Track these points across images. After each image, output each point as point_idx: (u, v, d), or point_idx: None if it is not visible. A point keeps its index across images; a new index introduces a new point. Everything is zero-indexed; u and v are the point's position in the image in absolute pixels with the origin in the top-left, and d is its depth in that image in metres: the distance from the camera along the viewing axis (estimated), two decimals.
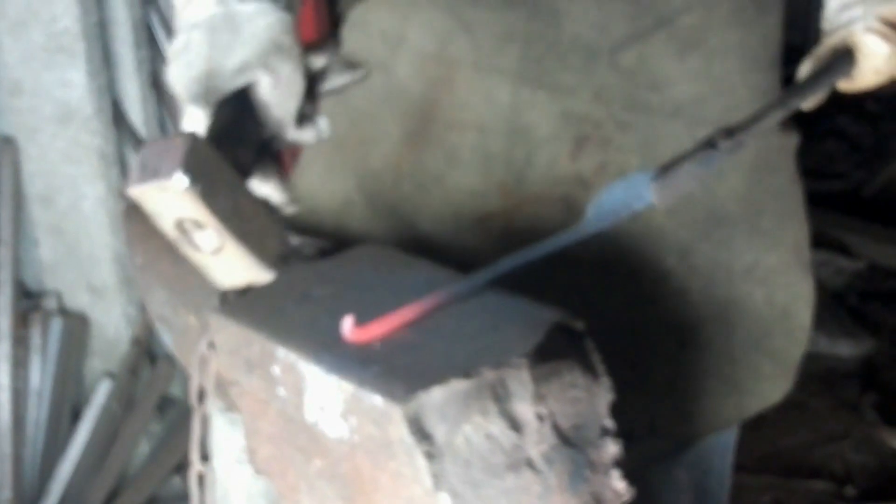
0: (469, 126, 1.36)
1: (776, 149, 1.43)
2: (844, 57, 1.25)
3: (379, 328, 1.04)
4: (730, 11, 1.34)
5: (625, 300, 1.37)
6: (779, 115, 1.17)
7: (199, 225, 0.95)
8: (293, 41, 1.08)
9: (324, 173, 1.44)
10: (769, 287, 1.44)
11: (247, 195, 1.02)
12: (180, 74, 1.05)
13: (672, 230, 1.37)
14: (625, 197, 1.07)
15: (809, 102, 1.25)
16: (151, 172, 0.94)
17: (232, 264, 0.99)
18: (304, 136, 1.09)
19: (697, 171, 1.08)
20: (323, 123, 1.11)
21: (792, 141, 1.46)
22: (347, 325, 1.04)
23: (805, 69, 1.26)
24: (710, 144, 1.09)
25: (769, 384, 1.47)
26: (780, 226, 1.45)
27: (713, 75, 1.35)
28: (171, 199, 0.94)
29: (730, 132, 1.10)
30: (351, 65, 1.16)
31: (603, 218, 1.08)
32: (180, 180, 0.92)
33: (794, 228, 1.47)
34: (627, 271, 1.37)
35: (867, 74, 1.26)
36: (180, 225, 0.97)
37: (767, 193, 1.43)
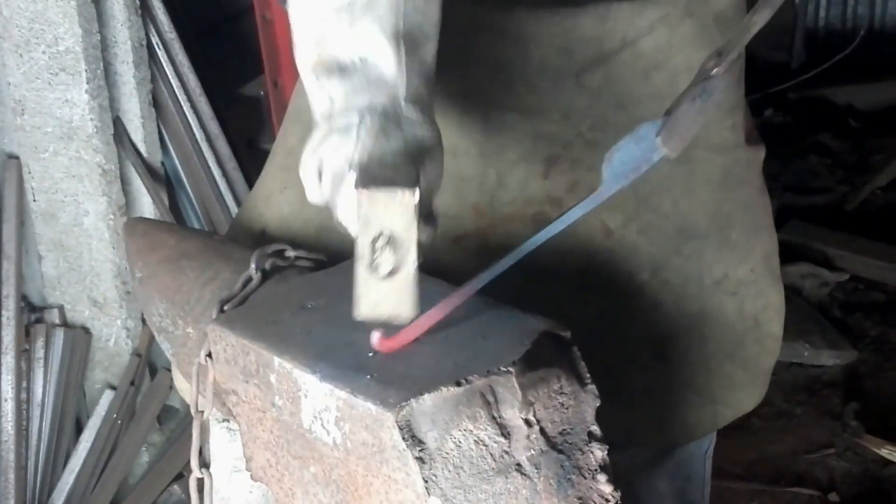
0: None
1: (743, 162, 1.44)
2: None
3: (404, 337, 1.06)
4: (692, 32, 1.35)
5: (600, 314, 1.37)
6: (765, 17, 1.07)
7: (394, 245, 1.02)
8: (441, 156, 1.13)
9: (297, 201, 1.44)
10: (740, 298, 1.45)
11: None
12: (347, 146, 1.09)
13: (644, 245, 1.38)
14: (638, 152, 1.05)
15: None
16: (386, 182, 1.02)
17: (390, 293, 1.04)
18: (423, 235, 1.09)
19: (700, 106, 1.04)
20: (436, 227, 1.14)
21: (759, 154, 1.47)
22: (376, 337, 1.06)
23: None
24: (703, 76, 1.05)
25: (743, 393, 1.48)
26: (748, 238, 1.46)
27: (677, 94, 1.36)
28: (395, 209, 1.01)
29: (719, 52, 1.06)
30: None
31: (621, 177, 1.06)
32: (415, 194, 1.00)
33: (762, 240, 1.49)
34: (603, 286, 1.38)
35: None
36: (376, 240, 1.02)
37: (736, 206, 1.44)
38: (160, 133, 2.93)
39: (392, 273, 1.03)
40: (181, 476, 2.92)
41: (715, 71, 1.04)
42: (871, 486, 2.99)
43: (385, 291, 1.04)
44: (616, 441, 1.10)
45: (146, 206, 2.90)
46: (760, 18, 1.07)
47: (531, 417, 1.03)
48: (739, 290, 1.45)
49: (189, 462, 1.26)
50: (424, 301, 1.11)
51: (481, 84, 1.35)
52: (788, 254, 3.72)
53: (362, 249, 1.04)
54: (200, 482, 1.26)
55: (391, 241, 1.02)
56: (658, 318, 1.41)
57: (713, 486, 1.63)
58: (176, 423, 3.01)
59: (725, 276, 1.44)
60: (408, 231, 1.02)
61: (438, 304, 1.08)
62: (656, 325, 1.41)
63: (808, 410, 3.28)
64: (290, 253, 1.32)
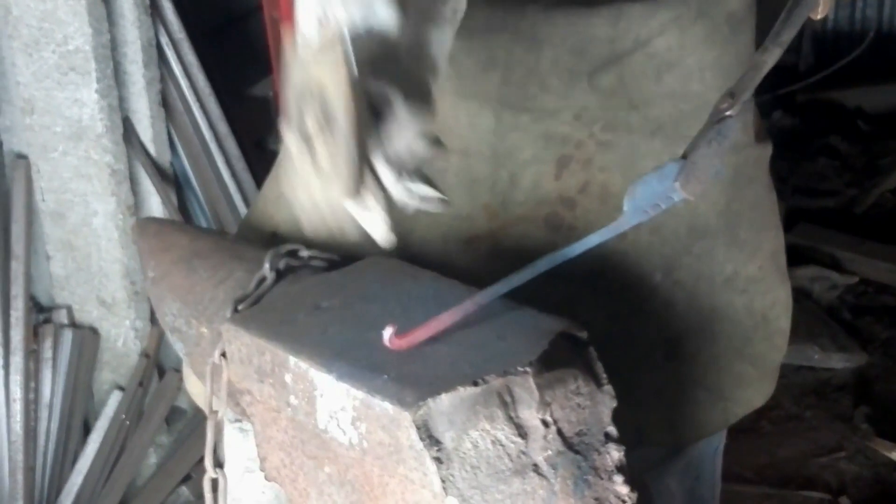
0: (453, 151, 1.35)
1: (752, 160, 1.44)
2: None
3: (416, 336, 1.06)
4: (705, 32, 1.34)
5: (613, 314, 1.37)
6: (776, 55, 1.08)
7: (324, 103, 0.96)
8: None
9: None
10: (749, 295, 1.45)
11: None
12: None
13: (657, 246, 1.38)
14: (660, 189, 1.05)
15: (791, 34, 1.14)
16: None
17: (326, 162, 0.98)
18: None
19: (716, 149, 1.04)
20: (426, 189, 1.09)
21: (766, 152, 1.47)
22: (388, 333, 1.05)
23: None
24: (717, 117, 1.05)
25: (752, 389, 1.48)
26: (757, 235, 1.46)
27: (691, 94, 1.35)
28: (324, 64, 0.96)
29: (731, 93, 1.05)
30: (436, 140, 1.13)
31: (640, 212, 1.06)
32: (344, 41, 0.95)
33: (770, 237, 1.49)
34: (615, 287, 1.38)
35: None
36: (303, 99, 0.97)
37: (745, 204, 1.44)
38: (169, 133, 2.93)
39: (326, 136, 0.97)
40: (189, 477, 2.91)
41: (729, 112, 1.05)
42: (882, 489, 2.99)
43: (321, 157, 0.99)
44: (627, 441, 1.10)
45: (155, 206, 2.90)
46: (771, 57, 1.08)
47: (548, 418, 1.03)
48: (749, 288, 1.45)
49: (197, 463, 1.27)
50: (439, 302, 1.11)
51: (493, 85, 1.35)
52: (797, 257, 3.72)
53: (288, 106, 0.99)
54: (214, 482, 1.26)
55: (321, 101, 0.97)
56: (670, 319, 1.41)
57: (723, 489, 1.63)
58: (184, 424, 3.01)
59: (735, 273, 1.44)
60: (341, 82, 0.96)
61: (452, 309, 1.07)
62: (668, 325, 1.41)
63: (818, 414, 3.27)
64: (304, 252, 1.32)
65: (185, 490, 2.92)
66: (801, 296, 3.59)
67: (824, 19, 5.13)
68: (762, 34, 1.27)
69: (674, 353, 1.42)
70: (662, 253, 1.39)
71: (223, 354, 1.20)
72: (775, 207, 1.52)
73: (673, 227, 1.38)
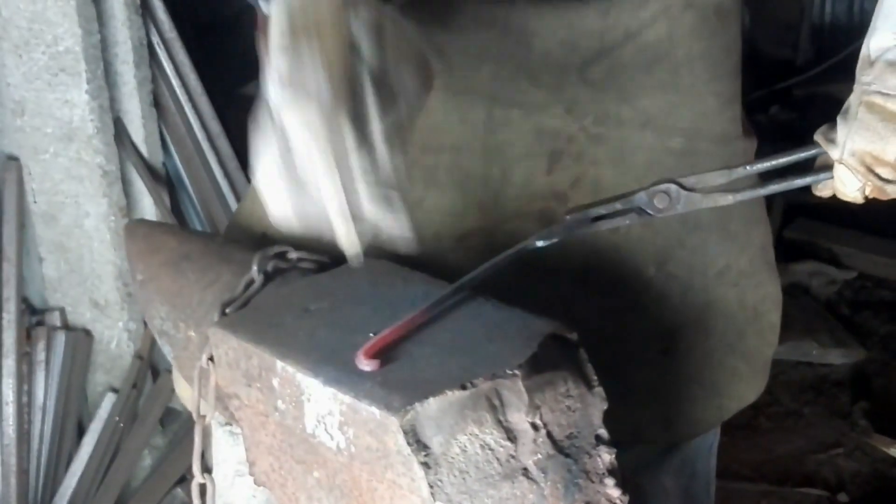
0: (445, 147, 1.35)
1: (741, 154, 1.44)
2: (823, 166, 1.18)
3: (382, 342, 1.05)
4: (693, 23, 1.34)
5: (606, 310, 1.37)
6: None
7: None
8: None
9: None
10: (741, 289, 1.45)
11: None
12: None
13: (650, 238, 1.38)
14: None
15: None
16: None
17: (316, 81, 1.04)
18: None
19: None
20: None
21: (753, 146, 1.47)
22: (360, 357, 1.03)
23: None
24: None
25: (745, 385, 1.48)
26: (747, 228, 1.46)
27: (680, 85, 1.35)
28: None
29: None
30: None
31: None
32: None
33: (760, 231, 1.49)
34: (609, 282, 1.38)
35: (839, 194, 1.18)
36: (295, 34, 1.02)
37: None
38: (161, 133, 2.93)
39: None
40: (184, 479, 2.92)
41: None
42: (880, 485, 2.99)
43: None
44: (623, 440, 1.09)
45: (147, 207, 2.89)
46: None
47: (538, 421, 1.02)
48: (740, 282, 1.45)
49: (192, 465, 1.27)
50: (412, 302, 1.12)
51: (484, 79, 1.34)
52: (795, 252, 3.70)
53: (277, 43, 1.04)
54: (202, 487, 1.26)
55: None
56: (664, 313, 1.41)
57: (721, 486, 1.63)
58: (178, 426, 3.01)
59: (727, 266, 1.44)
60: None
61: (406, 316, 1.07)
62: (663, 319, 1.41)
63: (816, 410, 3.27)
64: (293, 255, 1.31)
65: (179, 492, 2.92)
66: (799, 291, 3.59)
67: (822, 12, 5.12)
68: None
69: (669, 348, 1.41)
70: (655, 245, 1.39)
71: (211, 358, 1.20)
72: (762, 202, 1.52)
73: (666, 219, 1.37)
